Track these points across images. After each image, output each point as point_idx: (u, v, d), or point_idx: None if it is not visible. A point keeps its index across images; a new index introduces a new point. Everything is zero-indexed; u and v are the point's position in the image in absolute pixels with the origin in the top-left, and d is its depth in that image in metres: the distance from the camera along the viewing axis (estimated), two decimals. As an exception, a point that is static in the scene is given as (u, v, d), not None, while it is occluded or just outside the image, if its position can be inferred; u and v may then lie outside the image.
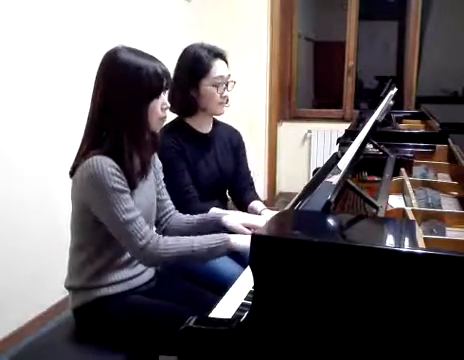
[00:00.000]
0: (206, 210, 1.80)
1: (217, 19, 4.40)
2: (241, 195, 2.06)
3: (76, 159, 1.45)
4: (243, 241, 1.44)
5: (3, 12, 2.28)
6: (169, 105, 1.48)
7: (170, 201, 1.69)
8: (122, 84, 1.39)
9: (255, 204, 2.00)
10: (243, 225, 1.56)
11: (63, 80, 2.66)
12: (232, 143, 2.06)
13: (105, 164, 1.35)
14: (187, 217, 1.68)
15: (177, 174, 1.83)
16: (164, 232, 1.66)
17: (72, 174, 1.45)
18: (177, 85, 1.84)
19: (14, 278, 2.39)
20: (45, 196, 2.55)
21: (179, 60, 1.92)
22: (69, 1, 2.68)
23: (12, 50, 2.34)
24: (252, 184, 2.10)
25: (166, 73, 1.44)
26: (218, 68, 1.86)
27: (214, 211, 1.81)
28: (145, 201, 1.52)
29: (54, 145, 2.61)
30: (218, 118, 2.05)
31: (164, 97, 1.45)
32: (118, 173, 1.38)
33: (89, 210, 1.41)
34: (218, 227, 1.58)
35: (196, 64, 1.85)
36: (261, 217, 1.72)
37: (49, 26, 2.55)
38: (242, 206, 2.03)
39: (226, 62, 1.91)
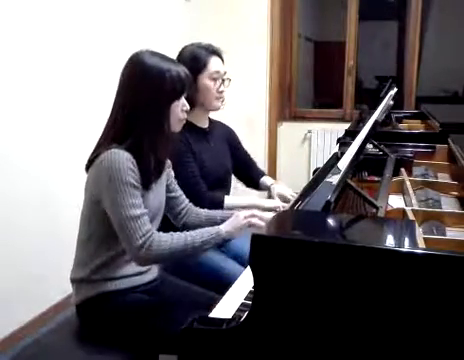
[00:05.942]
0: (216, 199, 1.90)
1: (217, 19, 4.39)
2: (251, 176, 2.24)
3: (93, 153, 1.48)
4: (231, 226, 1.52)
5: (3, 12, 2.28)
6: (188, 107, 1.53)
7: (184, 196, 1.75)
8: (146, 86, 1.45)
9: (264, 179, 2.22)
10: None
11: (63, 79, 2.66)
12: (227, 137, 2.16)
13: (123, 158, 1.40)
14: (207, 212, 1.76)
15: (185, 167, 1.88)
16: (183, 227, 1.71)
17: (88, 167, 1.48)
18: None
19: (14, 278, 2.39)
20: (45, 196, 2.54)
21: (177, 59, 1.96)
22: (69, 1, 2.68)
23: (12, 51, 2.35)
24: (255, 163, 2.27)
25: (188, 77, 1.51)
26: (215, 63, 1.96)
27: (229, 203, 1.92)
28: (156, 200, 1.55)
29: (54, 144, 2.60)
30: (211, 116, 2.11)
31: (184, 99, 1.51)
32: (134, 169, 1.42)
33: (99, 202, 1.43)
34: None
35: (194, 60, 1.93)
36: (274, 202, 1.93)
37: (48, 26, 2.55)
38: (255, 185, 2.23)
39: (222, 59, 2.00)
